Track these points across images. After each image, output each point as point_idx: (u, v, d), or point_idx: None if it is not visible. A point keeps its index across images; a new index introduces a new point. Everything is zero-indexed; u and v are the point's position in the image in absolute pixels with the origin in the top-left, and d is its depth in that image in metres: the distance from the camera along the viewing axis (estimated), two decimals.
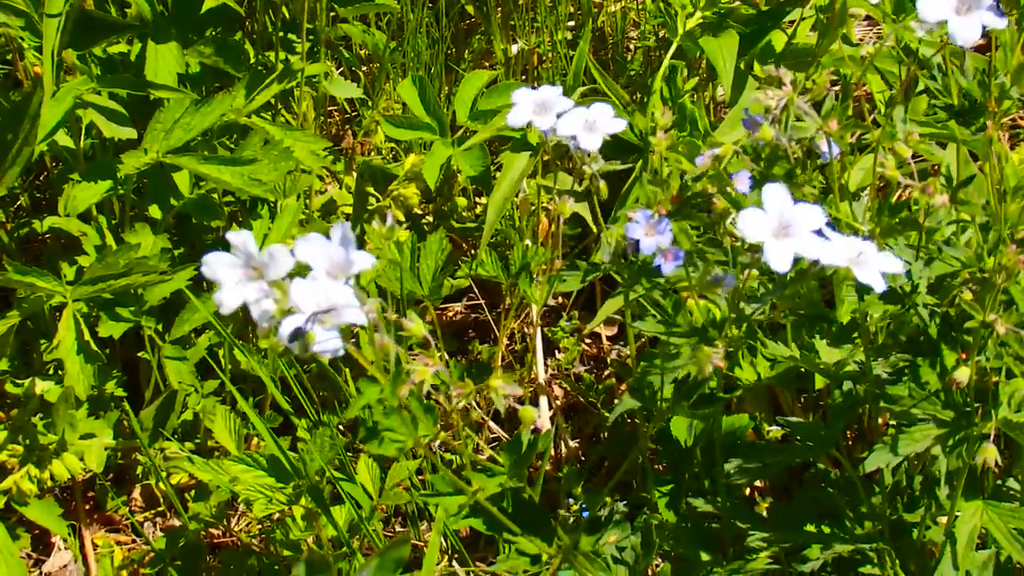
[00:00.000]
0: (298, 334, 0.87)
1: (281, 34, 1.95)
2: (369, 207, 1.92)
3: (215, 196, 1.84)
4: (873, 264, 0.94)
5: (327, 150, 2.26)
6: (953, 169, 1.63)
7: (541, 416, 1.87)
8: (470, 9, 2.29)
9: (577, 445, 1.88)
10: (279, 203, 1.90)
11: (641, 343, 1.84)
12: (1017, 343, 0.94)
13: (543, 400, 1.88)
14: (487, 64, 2.31)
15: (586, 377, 1.90)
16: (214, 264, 0.92)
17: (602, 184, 1.13)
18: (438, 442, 1.12)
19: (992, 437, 1.02)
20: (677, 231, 1.08)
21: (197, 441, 1.73)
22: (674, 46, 1.63)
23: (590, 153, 1.15)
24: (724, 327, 1.04)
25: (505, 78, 2.25)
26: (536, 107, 1.15)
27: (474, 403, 1.97)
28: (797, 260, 0.96)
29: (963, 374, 0.99)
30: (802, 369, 1.45)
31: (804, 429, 1.24)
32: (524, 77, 2.30)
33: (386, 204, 1.89)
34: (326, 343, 0.89)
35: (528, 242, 1.90)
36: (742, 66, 1.97)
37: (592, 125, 1.13)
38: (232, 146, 1.89)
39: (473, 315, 2.06)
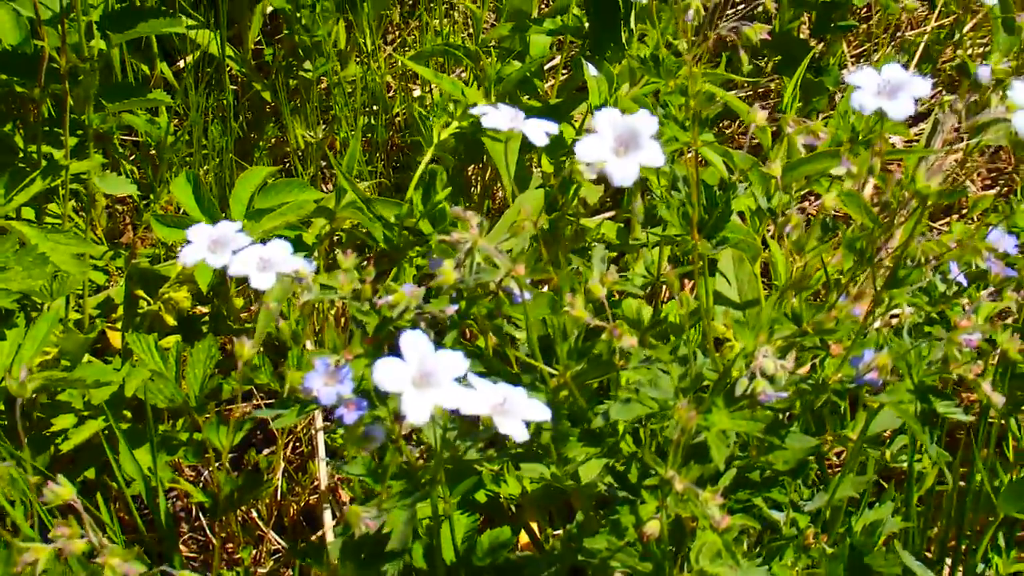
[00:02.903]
0: None
1: (46, 128, 1.86)
2: (140, 311, 1.84)
3: None
4: (518, 412, 0.92)
5: (113, 242, 2.17)
6: (729, 272, 1.63)
7: (325, 526, 1.80)
8: (266, 95, 2.23)
9: None
10: (45, 305, 1.81)
11: None
12: (694, 499, 0.91)
13: (326, 508, 1.81)
14: (286, 149, 2.25)
15: (369, 483, 1.83)
16: None
17: (284, 325, 1.07)
18: None
19: None
20: (369, 375, 1.03)
21: None
22: (428, 155, 1.59)
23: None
24: (386, 475, 0.98)
25: (303, 166, 2.20)
26: (211, 243, 1.10)
27: (254, 512, 1.89)
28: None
29: (653, 527, 0.96)
30: None
31: (535, 565, 1.19)
32: (324, 164, 2.24)
33: (156, 308, 1.81)
34: None
35: (308, 344, 1.84)
36: (531, 162, 1.96)
37: (267, 264, 1.08)
38: None
39: (260, 416, 1.97)
